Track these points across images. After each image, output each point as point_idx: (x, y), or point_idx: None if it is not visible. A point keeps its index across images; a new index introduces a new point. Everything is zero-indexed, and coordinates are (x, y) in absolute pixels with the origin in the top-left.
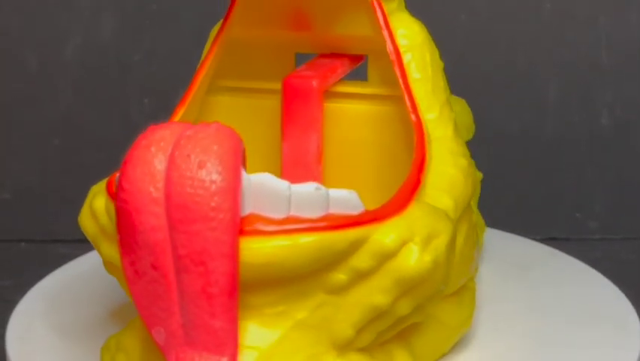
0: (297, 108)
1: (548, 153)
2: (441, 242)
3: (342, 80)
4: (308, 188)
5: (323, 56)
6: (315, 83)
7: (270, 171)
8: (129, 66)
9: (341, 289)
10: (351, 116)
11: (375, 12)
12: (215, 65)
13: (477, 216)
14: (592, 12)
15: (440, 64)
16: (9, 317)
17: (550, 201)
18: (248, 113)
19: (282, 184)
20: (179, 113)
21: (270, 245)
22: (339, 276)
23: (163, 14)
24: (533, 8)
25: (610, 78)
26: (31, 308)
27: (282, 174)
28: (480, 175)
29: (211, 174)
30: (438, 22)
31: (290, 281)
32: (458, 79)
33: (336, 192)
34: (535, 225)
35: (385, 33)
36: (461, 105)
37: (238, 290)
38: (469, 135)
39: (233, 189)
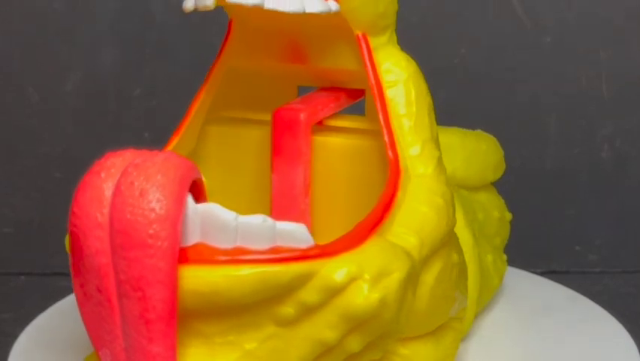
0: (285, 141)
1: (548, 185)
2: (392, 280)
3: (338, 114)
4: (255, 220)
5: (323, 89)
6: (302, 115)
7: (264, 203)
8: (129, 100)
9: (290, 323)
10: (344, 151)
11: (360, 46)
12: (213, 95)
13: (494, 257)
14: (592, 45)
15: (427, 100)
16: (9, 351)
17: (550, 234)
18: (250, 144)
19: (229, 215)
20: (173, 143)
21: (212, 275)
22: (287, 309)
23: (163, 48)
24: (534, 41)
25: (610, 111)
26: (32, 341)
27: (271, 206)
28: (509, 215)
29: (151, 203)
30: (438, 55)
31: (238, 311)
32: (458, 111)
33: (284, 225)
34: (535, 258)
35: (368, 67)
36: (488, 143)
37: (176, 317)
38: (496, 175)
39: (173, 217)
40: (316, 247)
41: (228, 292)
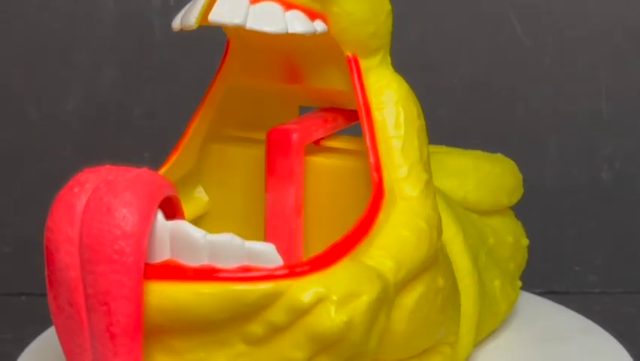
0: (278, 160)
1: (548, 205)
2: (360, 303)
3: (336, 135)
4: (223, 238)
5: (323, 110)
6: (295, 136)
7: (262, 222)
8: (129, 120)
9: (258, 341)
10: (339, 172)
11: (350, 67)
12: (213, 113)
13: (503, 282)
14: (592, 64)
15: (417, 123)
16: None
17: (550, 255)
18: (251, 163)
19: (198, 233)
20: (171, 161)
21: (179, 291)
22: (256, 328)
23: (163, 68)
24: (534, 60)
25: (610, 131)
26: None
27: (266, 225)
28: (525, 241)
29: (117, 219)
30: (438, 74)
31: (207, 329)
32: (458, 130)
33: (253, 245)
34: (535, 278)
35: (357, 88)
36: (503, 167)
37: (142, 332)
38: (512, 200)
39: (138, 234)
40: (284, 267)
41: (195, 309)
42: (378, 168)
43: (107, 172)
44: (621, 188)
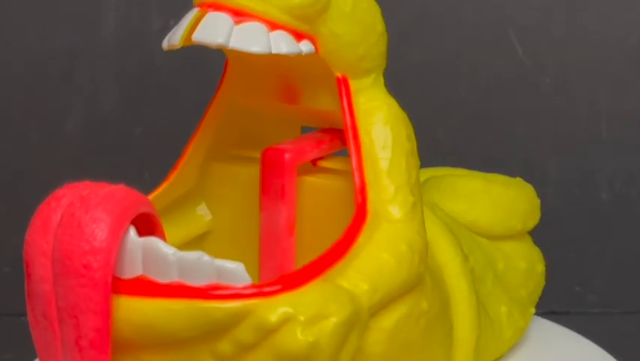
0: (271, 180)
1: (548, 226)
2: (328, 324)
3: (334, 156)
4: (192, 255)
5: (323, 130)
6: (287, 156)
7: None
8: (130, 140)
9: (228, 359)
10: (333, 192)
11: (339, 88)
12: (214, 132)
13: (510, 308)
14: (592, 86)
15: (406, 146)
16: None
17: (550, 275)
18: (254, 182)
19: (168, 250)
20: (170, 179)
21: (147, 307)
22: (225, 346)
23: (163, 88)
24: (533, 82)
25: (610, 152)
26: None
27: (260, 244)
28: (541, 267)
29: (86, 234)
30: (437, 95)
31: (177, 345)
32: (459, 153)
33: (222, 263)
34: None
35: (345, 109)
36: (517, 191)
37: (109, 346)
38: (527, 225)
39: (107, 250)
40: (253, 286)
41: (164, 325)
42: (362, 191)
43: (84, 188)
44: (621, 209)
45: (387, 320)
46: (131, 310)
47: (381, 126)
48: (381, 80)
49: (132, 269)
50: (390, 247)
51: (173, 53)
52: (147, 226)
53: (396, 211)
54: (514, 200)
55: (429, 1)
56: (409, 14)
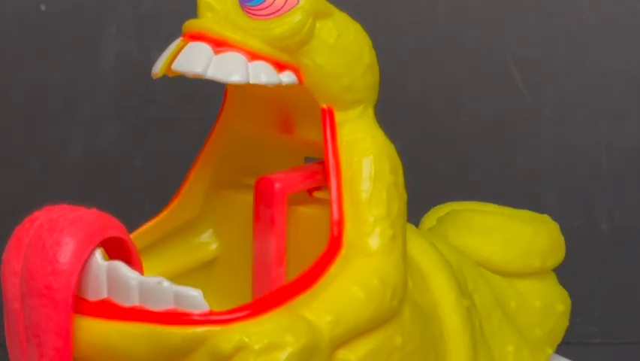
0: (262, 209)
1: None
2: (282, 354)
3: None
4: (153, 281)
5: (321, 161)
6: (277, 186)
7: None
8: (130, 171)
9: None
10: (325, 222)
11: (323, 119)
12: (217, 160)
13: (518, 348)
14: (592, 117)
15: (389, 179)
16: None
17: None
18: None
19: (130, 274)
20: (172, 206)
21: (107, 329)
22: None
23: (163, 119)
24: (534, 112)
25: (610, 183)
26: None
27: (253, 273)
28: (561, 307)
29: (49, 256)
30: (438, 126)
31: None
32: (459, 183)
33: (180, 289)
34: None
35: (328, 141)
36: (536, 228)
37: None
38: (546, 263)
39: (68, 272)
40: (210, 313)
41: (123, 348)
42: (339, 223)
43: (57, 211)
44: (621, 239)
45: (354, 353)
46: (92, 331)
47: (363, 158)
48: (370, 111)
49: (97, 292)
50: (361, 280)
51: (172, 84)
52: (121, 250)
53: (373, 244)
54: (533, 237)
55: (429, 33)
56: (409, 46)
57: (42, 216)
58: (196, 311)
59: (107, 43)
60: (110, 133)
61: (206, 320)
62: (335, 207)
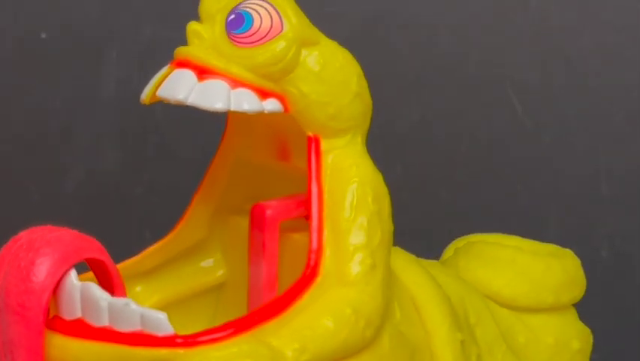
0: (254, 235)
1: None
2: None
3: None
4: (120, 302)
5: None
6: (268, 212)
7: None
8: (130, 199)
9: None
10: None
11: (308, 147)
12: (222, 185)
13: None
14: (592, 143)
15: (372, 208)
16: None
17: None
18: None
19: (100, 295)
20: (176, 230)
21: (79, 348)
22: None
23: (164, 147)
24: (533, 140)
25: (610, 210)
26: None
27: (248, 299)
28: (577, 344)
29: (23, 275)
30: (439, 153)
31: None
32: (458, 209)
33: (145, 311)
34: None
35: (312, 170)
36: (549, 262)
37: None
38: (560, 298)
39: (40, 291)
40: (174, 336)
41: None
42: (317, 251)
43: (38, 231)
44: (621, 267)
45: None
46: (65, 350)
47: (346, 186)
48: (359, 140)
49: (72, 311)
50: (333, 309)
51: (172, 112)
52: (102, 271)
53: (350, 273)
54: (545, 272)
55: (429, 60)
56: (409, 73)
57: (24, 236)
58: (161, 333)
59: (108, 71)
60: (110, 160)
61: (170, 342)
62: (314, 235)
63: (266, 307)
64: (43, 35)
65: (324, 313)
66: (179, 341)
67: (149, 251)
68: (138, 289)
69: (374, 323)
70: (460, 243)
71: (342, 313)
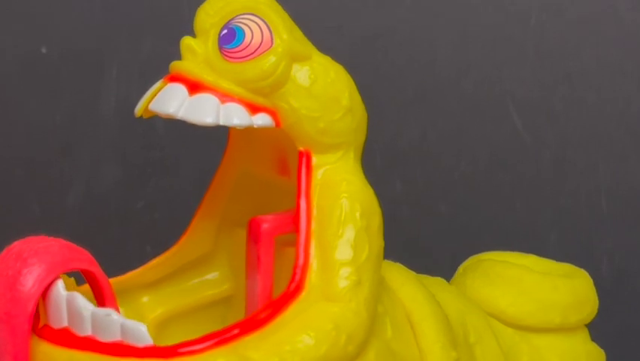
0: (250, 248)
1: None
2: None
3: None
4: (102, 313)
5: None
6: (264, 226)
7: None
8: (131, 214)
9: None
10: None
11: (299, 162)
12: (225, 197)
13: None
14: (591, 160)
15: (358, 223)
16: None
17: None
18: None
19: (84, 305)
20: (180, 242)
21: (63, 356)
22: None
23: (165, 162)
24: (533, 156)
25: (610, 226)
26: None
27: (245, 312)
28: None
29: (10, 283)
30: (439, 169)
31: None
32: (459, 226)
33: (126, 322)
34: None
35: (303, 184)
36: (557, 283)
37: None
38: (569, 318)
39: (26, 299)
40: (153, 347)
41: None
42: (303, 267)
43: (29, 241)
44: (621, 283)
45: None
46: (51, 358)
47: (335, 202)
48: (351, 155)
49: (58, 320)
50: (314, 325)
51: (174, 126)
52: (93, 282)
53: (335, 288)
54: (552, 292)
55: (429, 76)
56: (409, 90)
57: (16, 246)
58: (140, 344)
59: (108, 86)
60: (110, 176)
61: (148, 353)
62: (300, 250)
63: (248, 321)
64: (44, 50)
65: (305, 328)
66: (158, 352)
67: (153, 263)
68: (145, 299)
69: (357, 339)
70: (472, 260)
71: (323, 328)
